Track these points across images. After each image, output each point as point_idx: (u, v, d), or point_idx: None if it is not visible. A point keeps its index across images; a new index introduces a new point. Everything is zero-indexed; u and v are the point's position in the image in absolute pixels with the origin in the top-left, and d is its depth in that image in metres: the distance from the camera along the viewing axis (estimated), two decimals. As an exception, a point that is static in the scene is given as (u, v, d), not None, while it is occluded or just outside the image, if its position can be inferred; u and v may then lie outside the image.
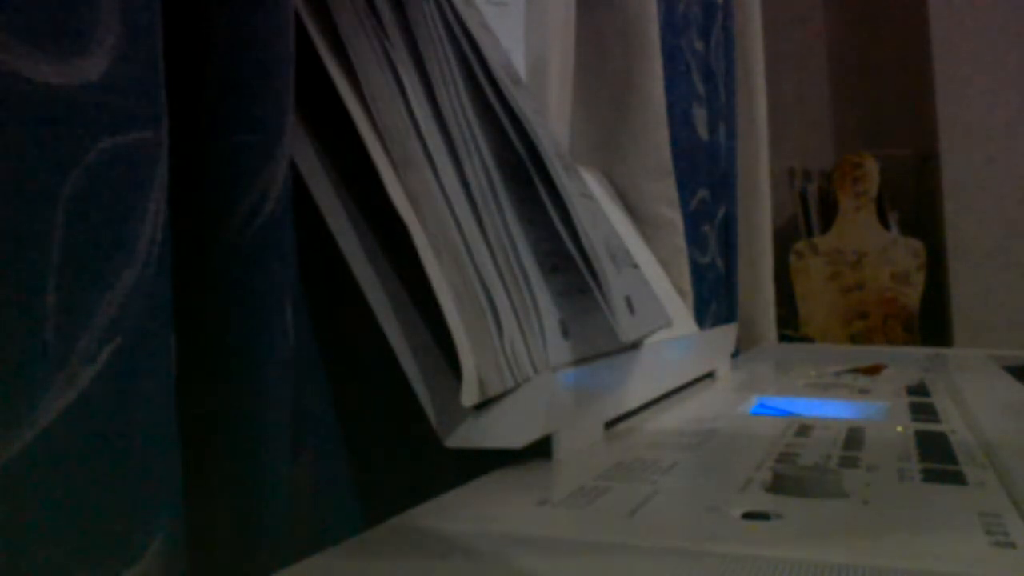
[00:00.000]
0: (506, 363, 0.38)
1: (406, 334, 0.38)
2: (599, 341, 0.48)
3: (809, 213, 1.87)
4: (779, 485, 0.34)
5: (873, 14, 1.97)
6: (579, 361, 0.46)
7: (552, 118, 0.71)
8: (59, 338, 0.22)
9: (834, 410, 0.59)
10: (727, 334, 0.80)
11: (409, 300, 0.39)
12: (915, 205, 1.88)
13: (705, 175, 1.00)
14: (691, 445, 0.44)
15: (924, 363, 0.85)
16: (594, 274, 0.46)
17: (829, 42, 2.02)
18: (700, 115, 0.99)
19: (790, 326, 1.74)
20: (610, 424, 0.49)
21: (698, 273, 0.94)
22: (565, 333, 0.45)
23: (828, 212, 1.86)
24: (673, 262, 0.83)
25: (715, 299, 1.01)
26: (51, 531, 0.22)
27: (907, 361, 0.86)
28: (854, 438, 0.46)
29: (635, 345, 0.52)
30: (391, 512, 0.32)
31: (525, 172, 0.45)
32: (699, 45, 0.99)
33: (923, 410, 0.56)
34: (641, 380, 0.54)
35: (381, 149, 0.38)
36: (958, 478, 0.37)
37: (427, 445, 0.38)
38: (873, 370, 0.76)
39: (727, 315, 1.05)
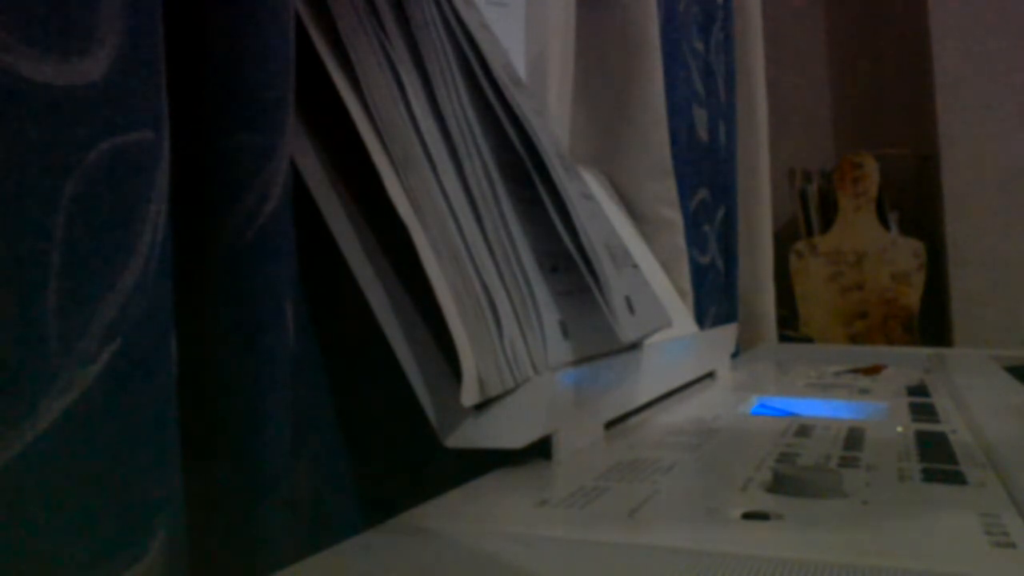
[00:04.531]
0: (506, 363, 0.38)
1: (406, 334, 0.38)
2: (599, 341, 0.48)
3: (809, 213, 1.87)
4: (779, 485, 0.34)
5: (873, 14, 1.97)
6: (579, 361, 0.46)
7: (552, 118, 0.71)
8: (60, 339, 0.22)
9: (834, 410, 0.59)
10: (727, 334, 0.80)
11: (409, 300, 0.39)
12: (915, 205, 1.88)
13: (705, 175, 1.00)
14: (691, 445, 0.44)
15: (924, 363, 0.85)
16: (594, 274, 0.46)
17: (829, 42, 2.02)
18: (700, 115, 0.99)
19: (790, 326, 1.74)
20: (610, 424, 0.49)
21: (698, 273, 0.94)
22: (565, 333, 0.45)
23: (828, 212, 1.86)
24: (673, 262, 0.83)
25: (715, 299, 1.01)
26: (52, 531, 0.22)
27: (907, 361, 0.86)
28: (854, 438, 0.46)
29: (635, 345, 0.52)
30: (391, 512, 0.32)
31: (525, 172, 0.45)
32: (699, 45, 0.99)
33: (923, 410, 0.56)
34: (641, 380, 0.54)
35: (381, 149, 0.38)
36: (958, 478, 0.37)
37: (427, 445, 0.38)
38: (873, 370, 0.76)
39: (727, 315, 1.05)
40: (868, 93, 1.97)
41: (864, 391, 0.65)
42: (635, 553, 0.28)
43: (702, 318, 0.94)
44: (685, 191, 0.89)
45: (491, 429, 0.37)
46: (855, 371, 0.76)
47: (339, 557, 0.27)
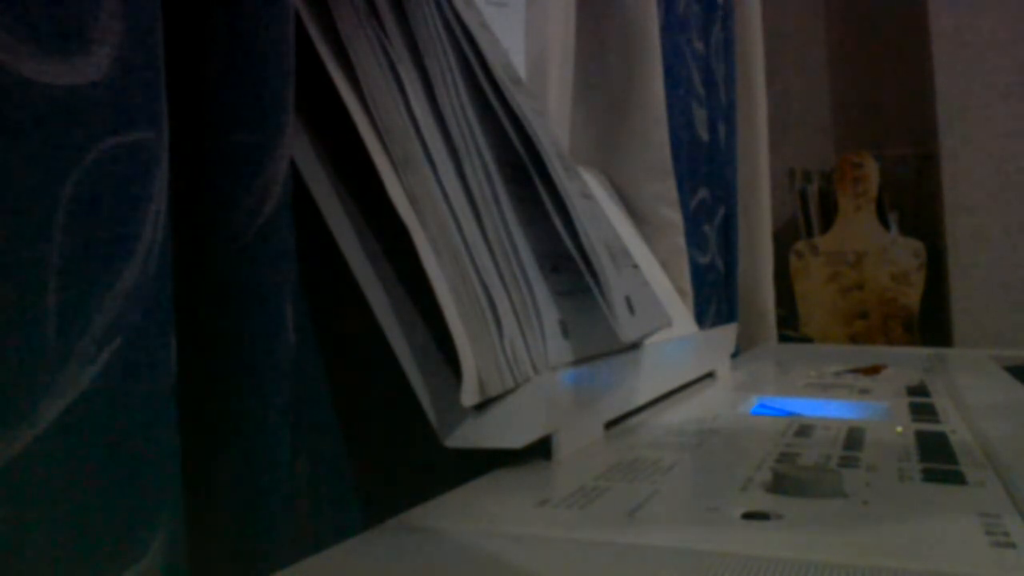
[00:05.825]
0: (506, 363, 0.38)
1: (406, 334, 0.38)
2: (599, 341, 0.48)
3: (809, 213, 1.87)
4: (779, 485, 0.34)
5: (873, 14, 1.97)
6: (579, 361, 0.46)
7: (552, 118, 0.71)
8: (60, 338, 0.22)
9: (834, 410, 0.59)
10: (727, 334, 0.80)
11: (409, 300, 0.39)
12: (915, 205, 1.88)
13: (705, 175, 1.00)
14: (691, 445, 0.44)
15: (924, 363, 0.85)
16: (594, 274, 0.46)
17: (829, 42, 2.02)
18: (700, 115, 0.99)
19: (790, 326, 1.74)
20: (610, 424, 0.49)
21: (698, 273, 0.94)
22: (565, 333, 0.45)
23: (828, 212, 1.86)
24: (673, 262, 0.83)
25: (715, 299, 1.01)
26: (52, 531, 0.22)
27: (907, 361, 0.86)
28: (854, 438, 0.46)
29: (635, 345, 0.52)
30: (391, 512, 0.32)
31: (525, 172, 0.45)
32: (699, 45, 0.99)
33: (923, 410, 0.56)
34: (641, 380, 0.54)
35: (381, 149, 0.38)
36: (958, 478, 0.37)
37: (427, 445, 0.38)
38: (873, 370, 0.76)
39: (727, 315, 1.05)
40: (868, 93, 1.97)
41: (864, 391, 0.65)
42: (635, 553, 0.28)
43: (702, 318, 0.94)
44: (685, 191, 0.89)
45: (491, 429, 0.37)
46: (855, 371, 0.76)
47: (339, 557, 0.27)
